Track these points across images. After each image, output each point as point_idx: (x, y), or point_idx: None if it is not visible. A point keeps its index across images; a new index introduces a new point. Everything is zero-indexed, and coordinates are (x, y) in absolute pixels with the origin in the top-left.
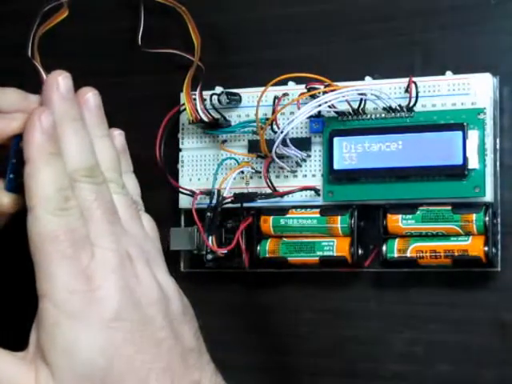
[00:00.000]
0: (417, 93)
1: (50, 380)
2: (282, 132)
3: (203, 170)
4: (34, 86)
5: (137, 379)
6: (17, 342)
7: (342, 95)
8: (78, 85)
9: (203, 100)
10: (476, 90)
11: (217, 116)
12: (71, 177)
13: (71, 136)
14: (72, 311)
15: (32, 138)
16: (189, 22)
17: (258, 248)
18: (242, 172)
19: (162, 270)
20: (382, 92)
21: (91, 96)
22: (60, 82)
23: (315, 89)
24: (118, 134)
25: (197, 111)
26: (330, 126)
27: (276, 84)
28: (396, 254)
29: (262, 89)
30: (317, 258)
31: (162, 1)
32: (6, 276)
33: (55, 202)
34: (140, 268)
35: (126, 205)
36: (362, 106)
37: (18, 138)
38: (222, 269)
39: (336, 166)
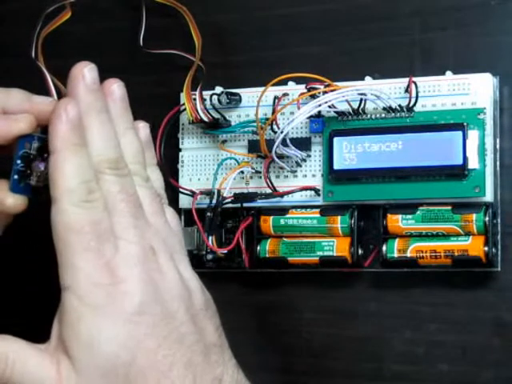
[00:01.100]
0: (417, 93)
1: (71, 373)
2: (281, 132)
3: (203, 170)
4: (37, 86)
5: (159, 374)
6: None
7: (342, 95)
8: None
9: (203, 100)
10: (476, 89)
11: (217, 116)
12: (96, 169)
13: (96, 127)
14: (95, 304)
15: (57, 128)
16: (190, 22)
17: (258, 248)
18: (242, 172)
19: (185, 264)
20: (382, 92)
21: (116, 87)
22: (86, 73)
23: (315, 89)
24: (143, 127)
25: (197, 111)
26: (330, 126)
27: (276, 84)
28: (396, 254)
29: (262, 89)
30: (317, 258)
31: (163, 1)
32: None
33: (79, 194)
34: (163, 262)
35: (150, 198)
36: (362, 106)
37: (23, 139)
38: (222, 269)
39: (336, 166)
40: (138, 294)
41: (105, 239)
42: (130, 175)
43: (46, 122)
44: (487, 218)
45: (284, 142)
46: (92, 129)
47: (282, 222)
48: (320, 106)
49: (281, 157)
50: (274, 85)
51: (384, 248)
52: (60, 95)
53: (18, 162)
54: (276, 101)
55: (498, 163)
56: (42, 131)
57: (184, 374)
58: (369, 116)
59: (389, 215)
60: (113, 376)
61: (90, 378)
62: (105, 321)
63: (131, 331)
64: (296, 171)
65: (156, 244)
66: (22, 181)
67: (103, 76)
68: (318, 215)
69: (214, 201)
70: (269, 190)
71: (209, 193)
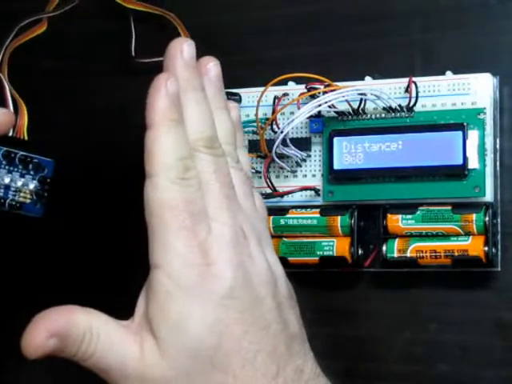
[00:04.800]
0: (417, 93)
1: (155, 352)
2: (282, 132)
3: None
4: None
5: (243, 361)
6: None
7: (342, 95)
8: (78, 84)
9: None
10: (476, 90)
11: None
12: (191, 147)
13: (193, 105)
14: (187, 285)
15: (157, 102)
16: (179, 27)
17: None
18: None
19: (270, 250)
20: (382, 92)
21: (213, 66)
22: (185, 48)
23: (315, 89)
24: (234, 107)
25: None
26: (330, 126)
27: (276, 84)
28: (396, 254)
29: (262, 89)
30: (317, 258)
31: (150, 10)
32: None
33: (176, 171)
34: (253, 246)
35: (241, 180)
36: (362, 106)
37: None
38: None
39: (336, 166)
40: (230, 278)
41: (199, 219)
42: (224, 155)
43: (1, 132)
44: (487, 218)
45: (284, 142)
46: (189, 106)
47: (282, 221)
48: (320, 105)
49: (281, 157)
50: (274, 85)
51: (384, 248)
52: (16, 108)
53: None
54: (276, 101)
55: (498, 163)
56: None
57: (267, 362)
58: (369, 116)
59: (389, 215)
60: (197, 359)
61: (174, 358)
62: (195, 302)
63: (220, 315)
64: (296, 171)
65: (246, 228)
66: None
67: (102, 77)
68: (318, 215)
69: None
70: (269, 190)
71: None
